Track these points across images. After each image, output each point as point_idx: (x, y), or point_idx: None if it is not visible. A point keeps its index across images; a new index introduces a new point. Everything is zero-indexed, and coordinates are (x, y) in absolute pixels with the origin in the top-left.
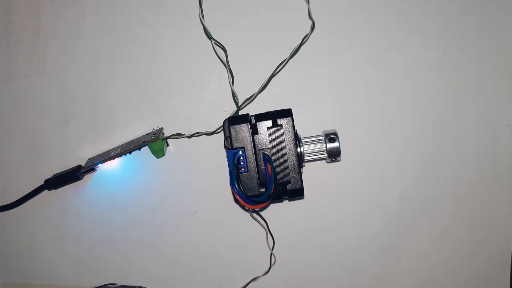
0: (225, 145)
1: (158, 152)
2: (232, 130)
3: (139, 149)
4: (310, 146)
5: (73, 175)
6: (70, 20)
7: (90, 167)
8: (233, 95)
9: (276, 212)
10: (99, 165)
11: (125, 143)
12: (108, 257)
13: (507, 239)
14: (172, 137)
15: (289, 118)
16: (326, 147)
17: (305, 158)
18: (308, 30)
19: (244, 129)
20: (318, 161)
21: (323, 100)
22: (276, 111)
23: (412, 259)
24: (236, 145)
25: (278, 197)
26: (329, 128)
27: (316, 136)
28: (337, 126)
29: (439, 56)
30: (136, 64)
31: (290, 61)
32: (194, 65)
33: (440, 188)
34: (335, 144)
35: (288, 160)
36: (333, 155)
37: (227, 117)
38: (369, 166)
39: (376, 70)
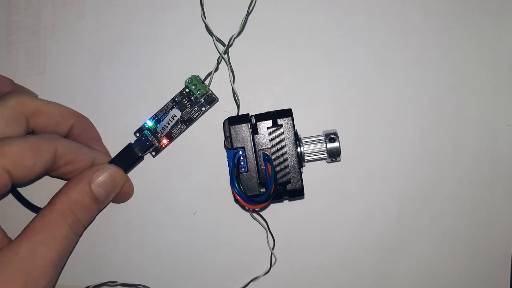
0: (225, 145)
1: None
2: (232, 130)
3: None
4: (310, 146)
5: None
6: (70, 20)
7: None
8: (234, 94)
9: (276, 212)
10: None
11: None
12: (108, 256)
13: (507, 240)
14: None
15: (289, 118)
16: (326, 147)
17: (305, 158)
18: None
19: (244, 129)
20: (318, 161)
21: (323, 100)
22: (276, 111)
23: (412, 259)
24: (236, 145)
25: (278, 197)
26: (329, 128)
27: (316, 136)
28: (337, 126)
29: (439, 56)
30: (136, 64)
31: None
32: (194, 64)
33: (440, 188)
34: (335, 144)
35: (288, 160)
36: (333, 155)
37: (227, 117)
38: (369, 166)
39: (376, 70)
